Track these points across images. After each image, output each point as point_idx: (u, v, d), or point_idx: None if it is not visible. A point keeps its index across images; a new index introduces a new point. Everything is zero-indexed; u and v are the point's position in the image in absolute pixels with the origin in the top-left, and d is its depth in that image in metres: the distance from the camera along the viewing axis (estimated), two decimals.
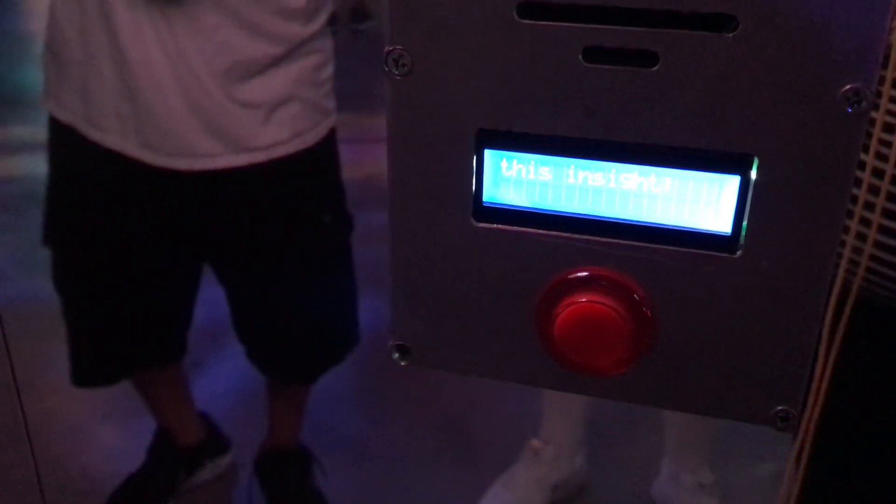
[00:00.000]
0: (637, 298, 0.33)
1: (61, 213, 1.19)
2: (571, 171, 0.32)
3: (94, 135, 1.08)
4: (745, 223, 0.31)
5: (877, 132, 0.63)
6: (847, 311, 0.65)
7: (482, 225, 0.34)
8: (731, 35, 0.28)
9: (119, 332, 1.26)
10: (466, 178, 0.33)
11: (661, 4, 0.29)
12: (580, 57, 0.30)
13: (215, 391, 1.72)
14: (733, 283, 0.32)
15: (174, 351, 1.35)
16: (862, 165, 0.63)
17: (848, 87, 0.28)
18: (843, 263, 0.66)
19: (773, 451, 1.53)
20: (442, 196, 0.34)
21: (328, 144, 1.20)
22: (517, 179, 0.33)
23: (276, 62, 1.08)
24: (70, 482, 1.49)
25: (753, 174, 0.30)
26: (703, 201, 0.31)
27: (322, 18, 1.13)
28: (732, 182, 0.31)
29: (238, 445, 1.55)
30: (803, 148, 0.29)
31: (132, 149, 1.07)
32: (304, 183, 1.20)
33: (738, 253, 0.31)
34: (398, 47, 0.31)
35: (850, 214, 0.65)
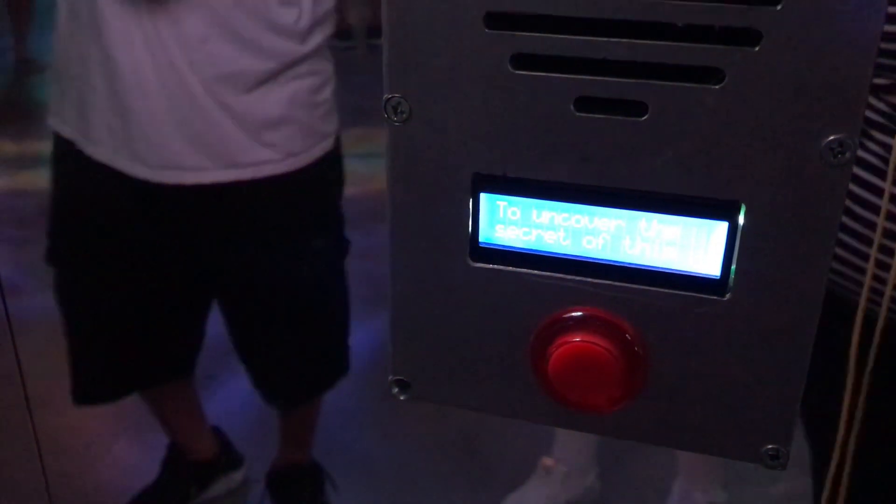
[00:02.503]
0: (629, 338, 0.33)
1: (61, 230, 1.19)
2: (565, 215, 0.33)
3: (90, 149, 1.08)
4: (733, 267, 0.32)
5: (893, 159, 0.63)
6: (876, 341, 0.65)
7: (479, 265, 0.35)
8: (717, 87, 0.29)
9: (119, 350, 1.25)
10: (463, 220, 0.34)
11: (650, 57, 0.30)
12: (572, 106, 0.31)
13: (229, 406, 1.73)
14: (723, 325, 0.33)
15: (177, 369, 1.34)
16: (880, 192, 0.64)
17: (832, 137, 0.29)
18: (865, 293, 0.65)
19: (786, 471, 1.53)
20: (440, 237, 0.35)
21: (324, 167, 1.17)
22: (512, 222, 0.34)
23: (268, 78, 1.06)
24: (83, 497, 1.51)
25: (741, 220, 0.31)
26: (693, 245, 0.32)
27: (317, 39, 1.10)
28: (721, 227, 0.31)
29: (251, 460, 1.56)
30: (789, 196, 0.30)
31: (123, 162, 1.07)
32: (294, 204, 1.18)
33: (727, 296, 0.32)
34: (396, 95, 0.32)
35: (870, 242, 0.65)
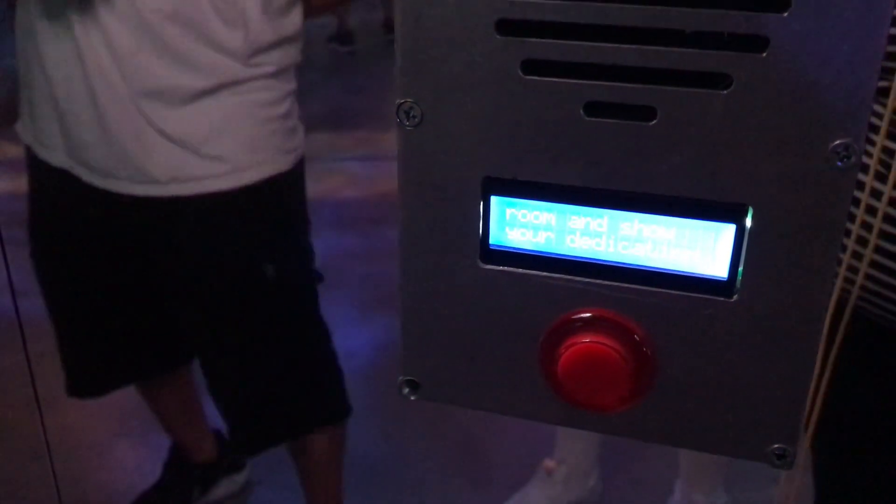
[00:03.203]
0: (637, 339, 0.34)
1: (35, 230, 1.17)
2: (574, 218, 0.34)
3: (43, 153, 1.07)
4: (741, 269, 0.32)
5: (876, 154, 0.64)
6: (842, 327, 0.66)
7: (489, 267, 0.35)
8: (725, 92, 0.30)
9: (100, 344, 1.24)
10: (474, 223, 0.35)
11: (659, 63, 0.30)
12: (582, 111, 0.31)
13: None
14: (730, 326, 0.33)
15: (164, 362, 1.31)
16: (861, 186, 0.65)
17: (838, 142, 0.29)
18: (839, 281, 0.67)
19: (787, 473, 1.53)
20: (450, 239, 0.35)
21: (277, 186, 1.09)
22: (522, 224, 0.34)
23: (203, 94, 1.01)
24: (88, 497, 1.51)
25: (748, 222, 0.31)
26: (701, 248, 0.33)
27: (270, 64, 1.04)
28: (728, 230, 0.32)
29: (253, 463, 1.57)
30: (795, 199, 0.30)
31: (74, 167, 1.04)
32: (242, 225, 1.10)
33: (735, 297, 0.33)
34: (408, 100, 0.33)
35: (847, 233, 0.66)
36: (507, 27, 0.31)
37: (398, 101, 0.33)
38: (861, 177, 0.65)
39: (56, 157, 1.06)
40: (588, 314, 0.34)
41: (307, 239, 1.19)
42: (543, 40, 0.31)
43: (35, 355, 0.65)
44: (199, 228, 1.09)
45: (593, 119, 0.31)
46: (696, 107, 0.30)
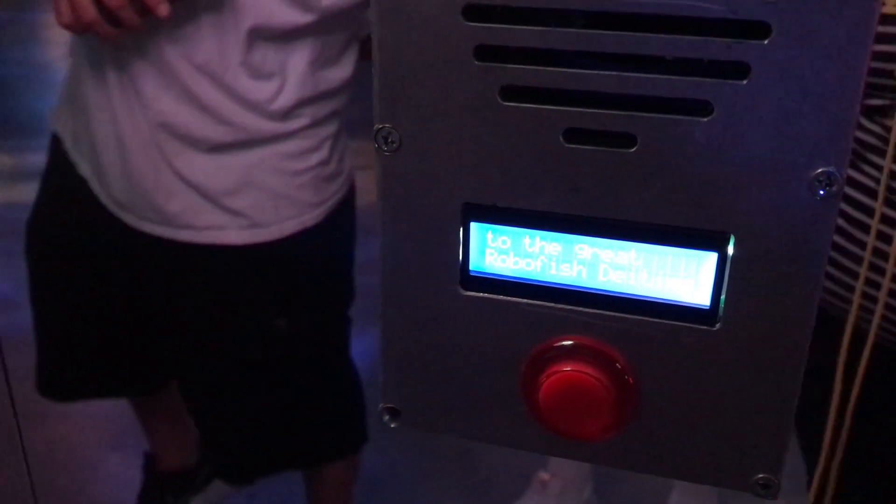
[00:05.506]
0: (619, 368, 0.33)
1: (35, 223, 1.14)
2: (555, 244, 0.33)
3: (73, 154, 1.05)
4: (723, 297, 0.32)
5: (884, 178, 0.63)
6: (864, 359, 0.65)
7: (469, 293, 0.35)
8: (706, 120, 0.29)
9: (76, 354, 1.20)
10: (454, 249, 0.34)
11: (639, 90, 0.30)
12: (561, 138, 0.31)
13: None
14: (713, 355, 0.33)
15: (140, 383, 1.27)
16: (871, 212, 0.64)
17: (820, 170, 0.29)
18: (854, 309, 0.66)
19: (783, 486, 1.52)
20: (430, 265, 0.35)
21: (301, 242, 1.02)
22: (503, 251, 0.34)
23: (229, 147, 0.96)
24: None
25: (731, 251, 0.31)
26: (683, 275, 0.32)
27: (307, 116, 0.97)
28: (710, 258, 0.32)
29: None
30: (777, 227, 0.30)
31: (95, 185, 1.03)
32: (254, 280, 1.04)
33: (717, 325, 0.32)
34: (386, 125, 0.33)
35: (860, 261, 0.65)
36: (486, 53, 0.31)
37: (376, 126, 0.33)
38: (869, 201, 0.64)
39: (83, 167, 1.03)
40: (569, 342, 0.34)
41: (342, 283, 1.13)
42: (522, 66, 0.31)
43: (22, 369, 0.65)
44: (209, 278, 1.05)
45: (573, 146, 0.31)
46: (676, 134, 0.30)
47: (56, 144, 1.09)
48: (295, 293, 1.08)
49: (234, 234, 0.99)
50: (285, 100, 0.95)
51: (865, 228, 0.65)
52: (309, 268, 1.07)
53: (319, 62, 0.96)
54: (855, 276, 0.66)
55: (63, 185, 1.09)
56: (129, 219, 1.01)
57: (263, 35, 0.92)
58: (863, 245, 0.65)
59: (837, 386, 0.67)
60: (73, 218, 1.10)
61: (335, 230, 1.08)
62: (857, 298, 0.66)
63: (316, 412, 1.17)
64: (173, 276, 1.07)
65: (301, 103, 0.96)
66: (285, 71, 0.94)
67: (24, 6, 5.08)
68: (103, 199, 1.03)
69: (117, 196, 1.01)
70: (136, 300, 1.13)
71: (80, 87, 1.00)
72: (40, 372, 1.21)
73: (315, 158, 1.00)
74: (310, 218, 1.02)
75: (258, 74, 0.93)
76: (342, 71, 0.99)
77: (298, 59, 0.94)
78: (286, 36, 0.93)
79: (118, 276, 1.12)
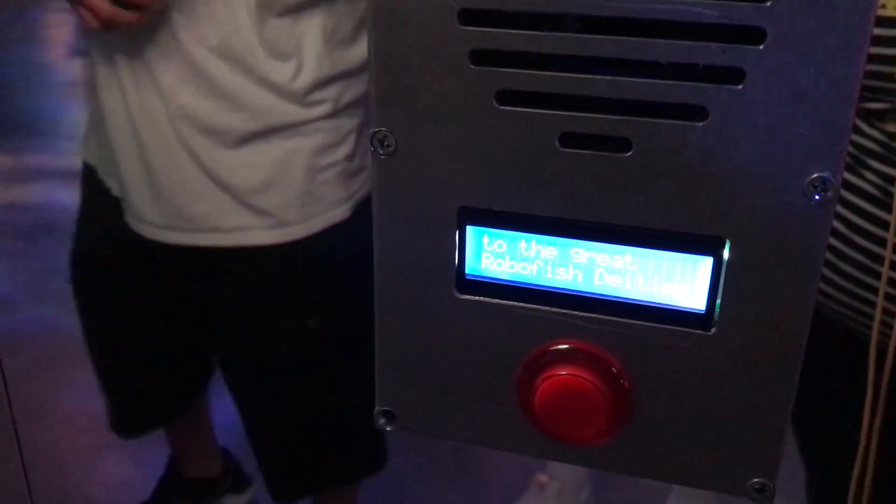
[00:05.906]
0: (615, 372, 0.33)
1: (78, 260, 1.13)
2: (551, 248, 0.33)
3: (108, 180, 1.03)
4: (718, 301, 0.32)
5: None
6: (886, 372, 0.64)
7: (465, 297, 0.35)
8: (701, 124, 0.29)
9: (139, 381, 1.20)
10: (450, 253, 0.34)
11: (634, 94, 0.30)
12: (557, 142, 0.31)
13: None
14: (708, 359, 0.33)
15: (191, 395, 1.28)
16: (877, 221, 0.63)
17: (815, 175, 0.29)
18: (876, 325, 0.64)
19: (782, 489, 1.52)
20: (426, 269, 0.35)
21: (328, 239, 1.00)
22: (498, 254, 0.34)
23: (254, 137, 0.93)
24: None
25: (726, 255, 0.31)
26: (678, 280, 0.32)
27: (329, 100, 0.95)
28: (706, 263, 0.32)
29: (261, 485, 1.54)
30: (773, 232, 0.30)
31: (122, 202, 1.01)
32: (284, 280, 1.03)
33: (713, 330, 0.32)
34: (383, 129, 0.33)
35: (868, 270, 0.65)
36: (482, 57, 0.31)
37: (372, 129, 0.33)
38: (875, 210, 0.63)
39: (115, 186, 1.01)
40: (565, 346, 0.34)
41: (364, 285, 1.13)
42: (518, 71, 0.31)
43: (21, 370, 0.65)
44: (237, 281, 1.03)
45: (569, 150, 0.31)
46: (671, 139, 0.30)
47: (88, 174, 1.06)
48: (325, 292, 1.06)
49: (262, 235, 0.97)
50: (304, 79, 0.93)
51: (866, 234, 0.64)
52: (338, 266, 1.05)
53: (334, 40, 0.95)
54: (856, 281, 0.66)
55: (100, 213, 1.07)
56: (151, 231, 0.99)
57: (272, 7, 0.90)
58: (864, 251, 0.65)
59: (867, 416, 0.66)
60: (112, 243, 1.08)
61: (362, 226, 1.06)
62: (878, 314, 0.64)
63: (355, 420, 1.13)
64: (204, 284, 1.05)
65: (320, 83, 0.94)
66: (301, 50, 0.93)
67: (24, 6, 5.08)
68: (127, 216, 1.00)
69: (138, 207, 0.99)
70: (176, 316, 1.12)
71: (100, 111, 0.97)
72: (112, 413, 1.21)
73: (340, 153, 0.98)
74: (337, 214, 1.00)
75: (276, 54, 0.91)
76: (358, 50, 0.97)
77: (313, 36, 0.93)
78: (297, 7, 0.92)
79: (157, 295, 1.10)
